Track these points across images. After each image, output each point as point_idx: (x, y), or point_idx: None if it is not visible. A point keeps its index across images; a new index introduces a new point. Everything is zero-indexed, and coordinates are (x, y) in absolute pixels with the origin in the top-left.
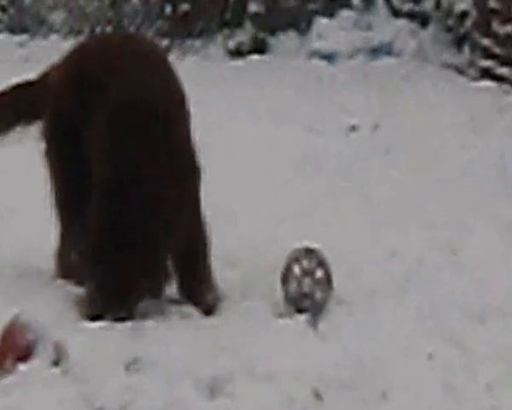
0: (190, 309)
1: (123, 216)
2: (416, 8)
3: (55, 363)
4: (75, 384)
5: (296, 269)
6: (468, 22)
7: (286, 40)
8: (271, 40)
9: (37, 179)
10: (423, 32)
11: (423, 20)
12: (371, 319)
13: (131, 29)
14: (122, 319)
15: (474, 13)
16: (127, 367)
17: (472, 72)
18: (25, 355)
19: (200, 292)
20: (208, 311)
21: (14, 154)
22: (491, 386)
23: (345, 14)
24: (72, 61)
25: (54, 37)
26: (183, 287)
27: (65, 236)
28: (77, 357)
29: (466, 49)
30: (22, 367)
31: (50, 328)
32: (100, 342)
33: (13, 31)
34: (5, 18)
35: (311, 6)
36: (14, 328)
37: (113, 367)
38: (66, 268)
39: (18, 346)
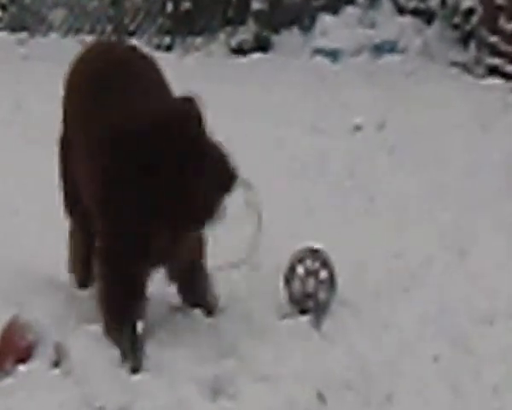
0: (192, 310)
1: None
2: (422, 5)
3: (56, 364)
4: (76, 385)
5: (300, 269)
6: (475, 19)
7: (289, 38)
8: (274, 38)
9: (40, 181)
10: (429, 30)
11: (428, 18)
12: (376, 321)
13: (132, 27)
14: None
15: (480, 10)
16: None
17: (478, 69)
18: (25, 357)
19: (201, 294)
20: (210, 311)
21: (17, 156)
22: (497, 388)
23: (349, 11)
24: (67, 75)
25: (54, 35)
26: (183, 290)
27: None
28: (78, 358)
29: (472, 46)
30: (22, 369)
31: (51, 329)
32: (101, 342)
33: (13, 29)
34: (5, 16)
35: (315, 3)
36: (13, 329)
37: (114, 368)
38: (81, 277)
39: (18, 347)
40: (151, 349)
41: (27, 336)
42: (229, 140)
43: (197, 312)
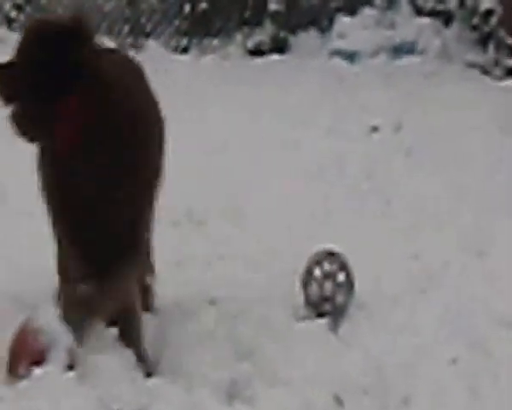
0: (208, 314)
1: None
2: (440, 7)
3: (70, 367)
4: (91, 389)
5: (317, 272)
6: (493, 20)
7: (306, 39)
8: (292, 39)
9: None
10: (447, 31)
11: (447, 19)
12: (393, 324)
13: (149, 28)
14: None
15: (499, 10)
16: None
17: (497, 71)
18: (39, 360)
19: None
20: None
21: (18, 156)
22: None
23: (367, 12)
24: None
25: None
26: None
27: None
28: (92, 361)
29: (491, 47)
30: (38, 372)
31: (64, 332)
32: (115, 345)
33: None
34: (21, 16)
35: (333, 4)
36: (27, 332)
37: (129, 371)
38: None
39: (32, 350)
40: (167, 353)
41: (41, 339)
42: (246, 141)
43: (213, 315)
